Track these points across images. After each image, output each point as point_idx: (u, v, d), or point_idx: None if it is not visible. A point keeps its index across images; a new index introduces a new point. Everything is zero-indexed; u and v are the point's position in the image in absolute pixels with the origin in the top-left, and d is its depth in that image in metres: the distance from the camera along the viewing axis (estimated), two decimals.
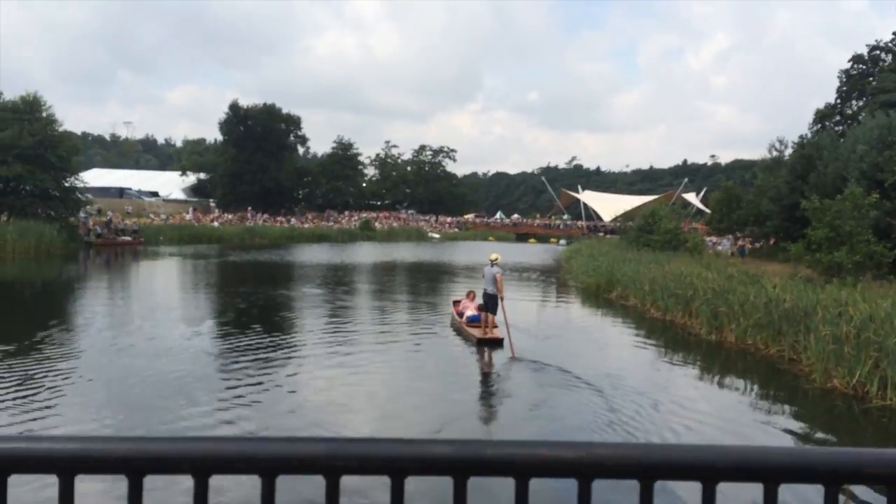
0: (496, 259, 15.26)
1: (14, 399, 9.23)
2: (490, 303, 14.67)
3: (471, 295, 16.64)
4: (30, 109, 39.40)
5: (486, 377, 12.60)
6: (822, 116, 43.65)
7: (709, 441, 7.78)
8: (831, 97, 44.56)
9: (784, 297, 15.38)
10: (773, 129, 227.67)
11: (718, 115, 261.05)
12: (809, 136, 40.00)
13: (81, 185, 43.35)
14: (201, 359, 12.31)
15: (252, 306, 19.68)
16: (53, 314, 17.60)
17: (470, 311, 15.68)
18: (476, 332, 14.65)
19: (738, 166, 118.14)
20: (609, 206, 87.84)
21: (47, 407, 9.01)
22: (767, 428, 9.56)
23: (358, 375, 11.61)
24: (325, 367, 12.15)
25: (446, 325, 16.89)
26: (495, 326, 14.70)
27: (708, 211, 58.43)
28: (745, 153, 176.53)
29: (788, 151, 43.85)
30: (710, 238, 51.63)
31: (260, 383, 10.72)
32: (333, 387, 10.89)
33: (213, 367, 11.77)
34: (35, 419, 8.47)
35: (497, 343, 14.09)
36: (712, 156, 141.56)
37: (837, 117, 43.73)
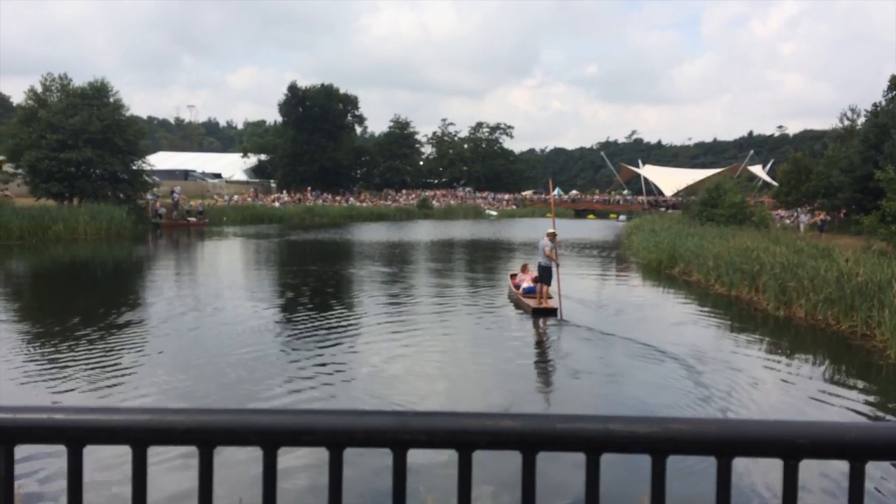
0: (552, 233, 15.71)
1: (108, 375, 9.73)
2: (544, 275, 15.53)
3: (526, 268, 17.67)
4: (98, 95, 40.72)
5: (542, 345, 13.01)
6: None
7: (781, 417, 7.58)
8: None
9: (857, 271, 14.85)
10: (845, 98, 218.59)
11: (786, 85, 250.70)
12: (884, 103, 38.17)
13: (148, 167, 44.70)
14: (275, 335, 12.68)
15: (322, 284, 20.12)
16: (133, 293, 18.25)
17: (526, 283, 16.44)
18: (532, 303, 15.47)
19: (808, 137, 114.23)
20: (671, 180, 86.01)
21: (143, 383, 9.45)
22: (840, 405, 9.26)
23: (424, 344, 12.15)
24: (392, 338, 12.59)
25: (505, 297, 17.56)
26: (549, 297, 15.52)
27: (775, 184, 56.60)
28: (814, 123, 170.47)
29: (861, 120, 42.13)
30: (778, 212, 50.07)
31: (331, 355, 11.09)
32: (402, 356, 11.30)
33: (285, 342, 12.13)
34: (127, 395, 8.91)
35: (551, 312, 14.94)
36: (780, 127, 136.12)
37: None
